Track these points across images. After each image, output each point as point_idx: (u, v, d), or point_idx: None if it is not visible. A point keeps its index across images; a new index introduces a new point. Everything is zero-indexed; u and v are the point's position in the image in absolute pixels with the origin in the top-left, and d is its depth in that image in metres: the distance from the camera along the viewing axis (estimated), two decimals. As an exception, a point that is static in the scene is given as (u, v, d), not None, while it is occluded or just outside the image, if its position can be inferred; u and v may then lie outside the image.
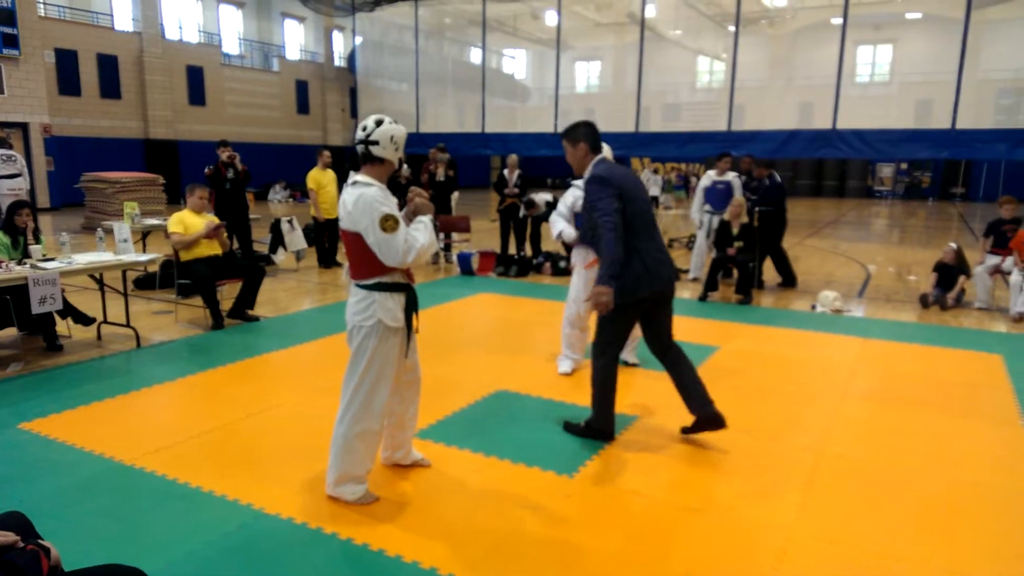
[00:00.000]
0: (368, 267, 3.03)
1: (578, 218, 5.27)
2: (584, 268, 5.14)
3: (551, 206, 10.15)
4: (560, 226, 5.39)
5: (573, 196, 5.33)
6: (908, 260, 11.82)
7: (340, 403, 3.17)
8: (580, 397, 4.67)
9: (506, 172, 10.38)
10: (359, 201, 2.95)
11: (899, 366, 5.58)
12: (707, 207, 9.09)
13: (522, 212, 10.08)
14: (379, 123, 3.07)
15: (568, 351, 5.30)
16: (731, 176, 8.99)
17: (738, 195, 8.70)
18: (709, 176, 9.16)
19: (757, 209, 8.79)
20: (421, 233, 3.02)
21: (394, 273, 3.06)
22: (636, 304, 3.73)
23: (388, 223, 2.90)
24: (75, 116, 18.81)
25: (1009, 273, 7.48)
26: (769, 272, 9.06)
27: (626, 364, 5.45)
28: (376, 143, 3.04)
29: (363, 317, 3.04)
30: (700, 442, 3.98)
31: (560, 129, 20.00)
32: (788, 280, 9.02)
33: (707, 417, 3.85)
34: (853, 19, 15.94)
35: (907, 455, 3.85)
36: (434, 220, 3.19)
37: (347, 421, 3.13)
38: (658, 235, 3.82)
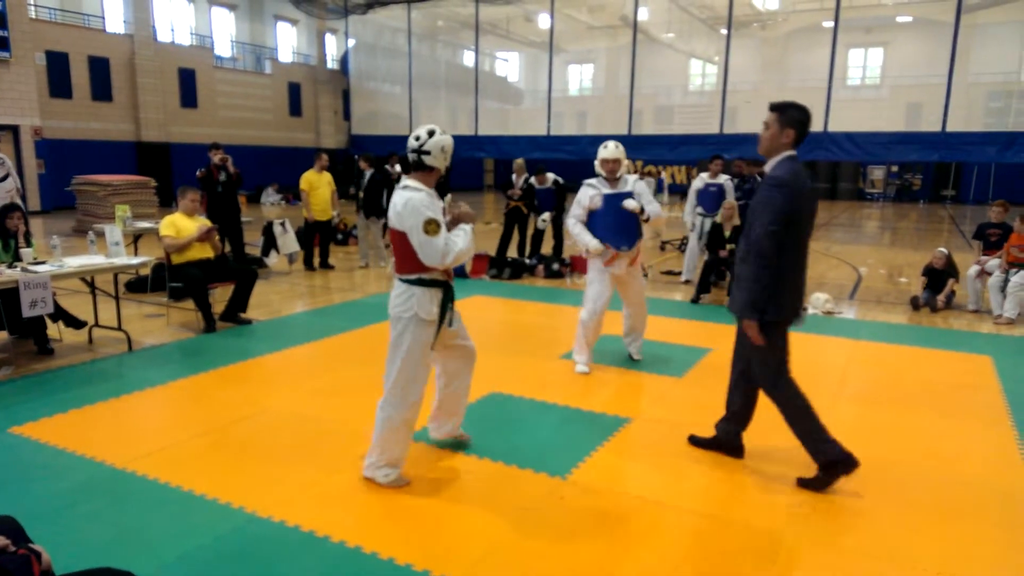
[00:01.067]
0: (410, 263, 3.30)
1: (592, 216, 5.14)
2: (604, 265, 5.12)
3: (558, 185, 10.15)
4: (577, 231, 5.20)
5: (587, 195, 5.14)
6: (899, 262, 11.89)
7: (384, 396, 3.40)
8: (573, 399, 4.68)
9: (513, 177, 10.41)
10: (408, 204, 3.20)
11: (890, 367, 5.62)
12: (699, 209, 9.12)
13: (531, 179, 10.22)
14: (431, 133, 3.30)
15: (580, 351, 5.31)
16: (723, 179, 9.06)
17: (730, 198, 8.77)
18: (702, 179, 9.20)
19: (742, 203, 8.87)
20: (460, 239, 3.29)
21: (433, 271, 3.31)
22: (787, 321, 3.44)
23: (431, 227, 3.17)
24: (66, 119, 18.71)
25: (991, 274, 7.56)
26: None
27: (630, 359, 5.50)
28: (428, 153, 3.29)
29: (402, 309, 3.33)
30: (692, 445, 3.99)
31: (553, 132, 20.02)
32: None
33: (733, 445, 3.80)
34: (844, 22, 16.03)
35: (898, 455, 3.87)
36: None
37: (387, 407, 3.38)
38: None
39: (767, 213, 3.24)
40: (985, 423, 4.40)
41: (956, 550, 2.94)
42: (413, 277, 3.30)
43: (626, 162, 5.18)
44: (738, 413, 3.76)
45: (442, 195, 12.27)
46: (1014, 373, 5.43)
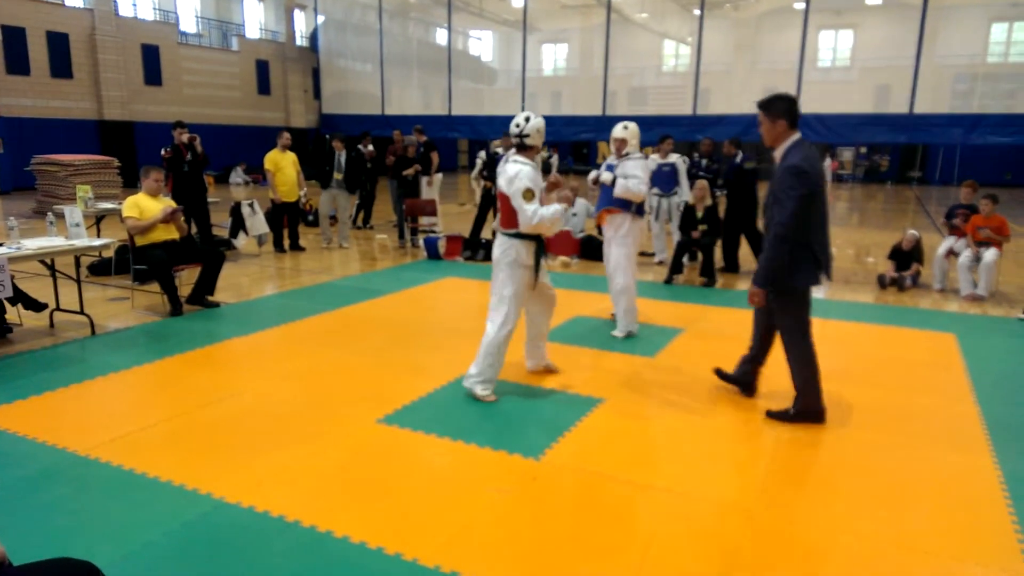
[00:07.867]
0: (513, 221, 4.11)
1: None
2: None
3: None
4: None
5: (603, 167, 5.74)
6: (867, 242, 12.06)
7: (489, 319, 4.26)
8: (545, 380, 4.68)
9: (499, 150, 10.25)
10: (519, 173, 4.02)
11: (857, 346, 5.70)
12: (655, 190, 9.18)
13: (496, 145, 10.35)
14: (528, 119, 4.10)
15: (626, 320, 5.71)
16: (674, 158, 9.21)
17: (682, 177, 9.05)
18: (654, 160, 9.21)
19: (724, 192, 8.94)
20: (547, 210, 4.03)
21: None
22: None
23: (527, 194, 3.99)
24: (24, 96, 18.11)
25: (959, 254, 7.70)
26: (746, 254, 8.97)
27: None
28: (528, 135, 4.10)
29: (503, 255, 4.16)
30: (664, 424, 4.02)
31: (527, 111, 20.03)
32: (731, 266, 8.96)
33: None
34: (815, 4, 16.10)
35: (864, 433, 3.93)
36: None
37: (496, 326, 4.20)
38: None
39: None
40: (949, 400, 4.49)
41: (917, 525, 2.99)
42: (513, 232, 4.13)
43: (633, 142, 5.61)
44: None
45: (417, 176, 12.11)
46: (977, 351, 5.55)
